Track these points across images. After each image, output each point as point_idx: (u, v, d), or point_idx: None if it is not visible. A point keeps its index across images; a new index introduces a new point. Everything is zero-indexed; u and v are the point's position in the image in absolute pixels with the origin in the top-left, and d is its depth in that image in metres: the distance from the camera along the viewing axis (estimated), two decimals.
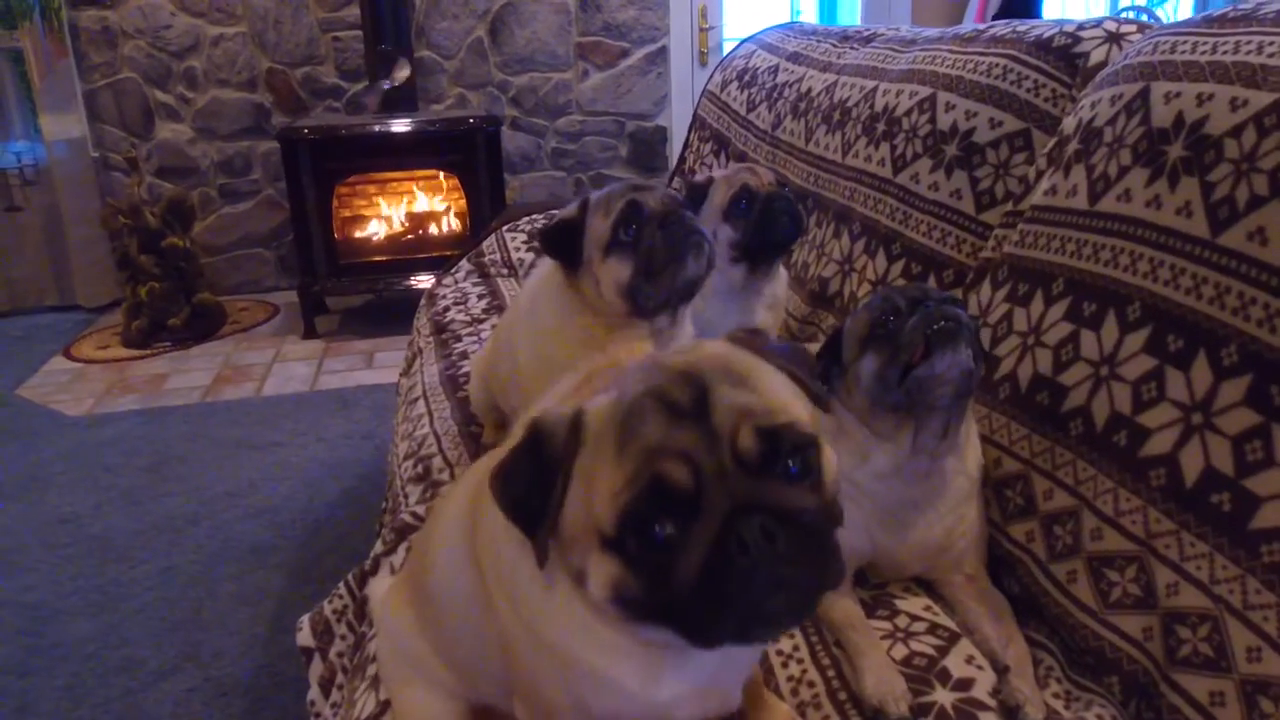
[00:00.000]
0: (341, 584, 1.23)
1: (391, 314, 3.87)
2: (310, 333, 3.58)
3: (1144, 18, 4.42)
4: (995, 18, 3.95)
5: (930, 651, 0.89)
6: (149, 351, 3.49)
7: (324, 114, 3.97)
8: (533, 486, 0.50)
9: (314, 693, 1.12)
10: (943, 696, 0.84)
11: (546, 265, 1.10)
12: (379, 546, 1.21)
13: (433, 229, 3.80)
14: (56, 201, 3.84)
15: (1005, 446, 1.03)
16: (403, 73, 3.56)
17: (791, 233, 1.31)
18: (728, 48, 4.40)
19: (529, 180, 4.24)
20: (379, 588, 0.97)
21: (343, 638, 1.15)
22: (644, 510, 0.46)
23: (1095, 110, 1.06)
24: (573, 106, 4.19)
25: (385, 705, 0.88)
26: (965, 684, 0.85)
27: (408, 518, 1.21)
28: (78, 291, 3.96)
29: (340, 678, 1.09)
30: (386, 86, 3.52)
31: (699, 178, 1.32)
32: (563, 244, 1.02)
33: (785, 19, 4.77)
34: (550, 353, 1.08)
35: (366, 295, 3.81)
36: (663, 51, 4.21)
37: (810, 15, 4.81)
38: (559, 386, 0.62)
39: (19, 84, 3.76)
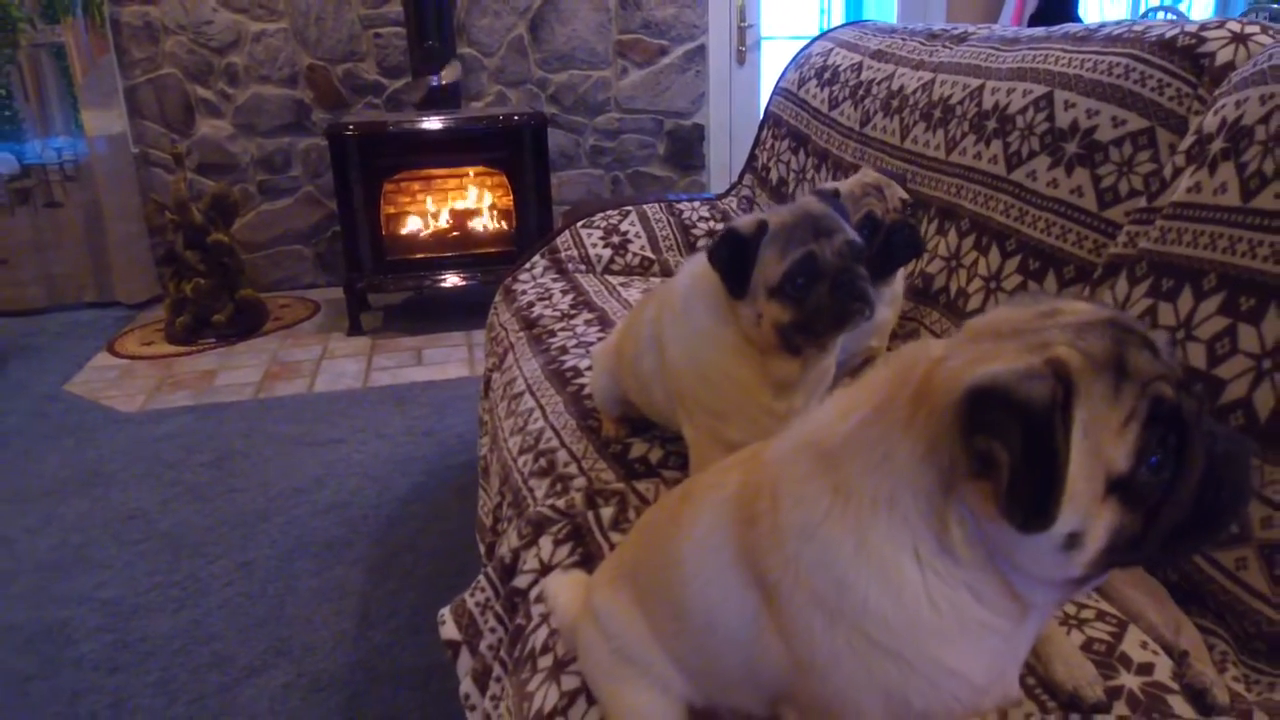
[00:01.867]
0: (481, 576, 1.24)
1: (435, 311, 3.88)
2: (356, 329, 3.58)
3: (1171, 16, 4.43)
4: (1032, 18, 3.98)
5: (1106, 638, 0.91)
6: (194, 348, 3.49)
7: (365, 110, 3.97)
8: (1047, 448, 0.49)
9: (467, 686, 1.13)
10: (1128, 681, 0.86)
11: (700, 263, 1.10)
12: (514, 539, 1.22)
13: (477, 226, 3.80)
14: (97, 197, 3.83)
15: None
16: (452, 71, 3.56)
17: (908, 258, 1.36)
18: (764, 46, 4.43)
19: (567, 178, 4.24)
20: (555, 582, 0.98)
21: (492, 630, 1.16)
22: (1150, 435, 0.52)
23: (1242, 109, 1.08)
24: (611, 104, 4.20)
25: (572, 697, 0.89)
26: (1147, 668, 0.87)
27: (546, 511, 1.22)
28: (117, 288, 3.96)
29: (497, 670, 1.10)
30: (435, 83, 3.52)
31: (827, 186, 1.34)
32: (730, 259, 1.01)
33: (815, 18, 4.81)
34: (703, 355, 1.09)
35: (408, 292, 3.82)
36: (701, 49, 4.22)
37: (837, 15, 4.83)
38: (846, 401, 0.63)
39: (60, 79, 3.75)
